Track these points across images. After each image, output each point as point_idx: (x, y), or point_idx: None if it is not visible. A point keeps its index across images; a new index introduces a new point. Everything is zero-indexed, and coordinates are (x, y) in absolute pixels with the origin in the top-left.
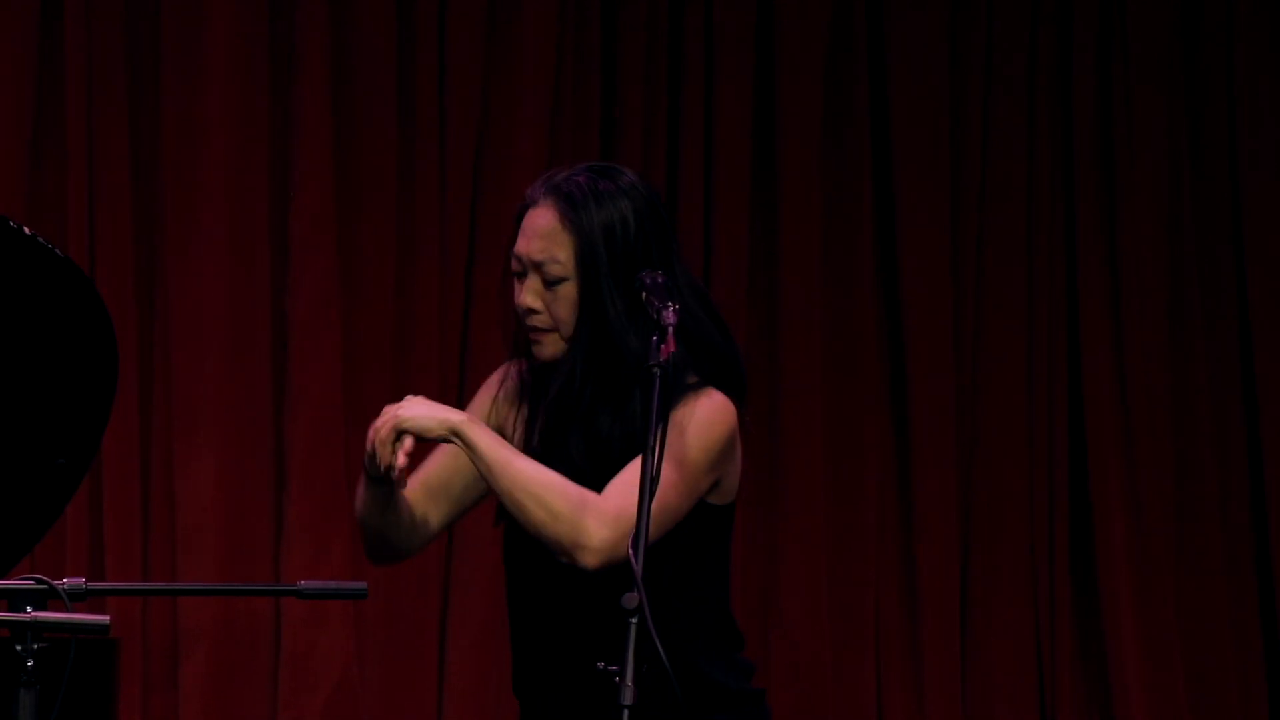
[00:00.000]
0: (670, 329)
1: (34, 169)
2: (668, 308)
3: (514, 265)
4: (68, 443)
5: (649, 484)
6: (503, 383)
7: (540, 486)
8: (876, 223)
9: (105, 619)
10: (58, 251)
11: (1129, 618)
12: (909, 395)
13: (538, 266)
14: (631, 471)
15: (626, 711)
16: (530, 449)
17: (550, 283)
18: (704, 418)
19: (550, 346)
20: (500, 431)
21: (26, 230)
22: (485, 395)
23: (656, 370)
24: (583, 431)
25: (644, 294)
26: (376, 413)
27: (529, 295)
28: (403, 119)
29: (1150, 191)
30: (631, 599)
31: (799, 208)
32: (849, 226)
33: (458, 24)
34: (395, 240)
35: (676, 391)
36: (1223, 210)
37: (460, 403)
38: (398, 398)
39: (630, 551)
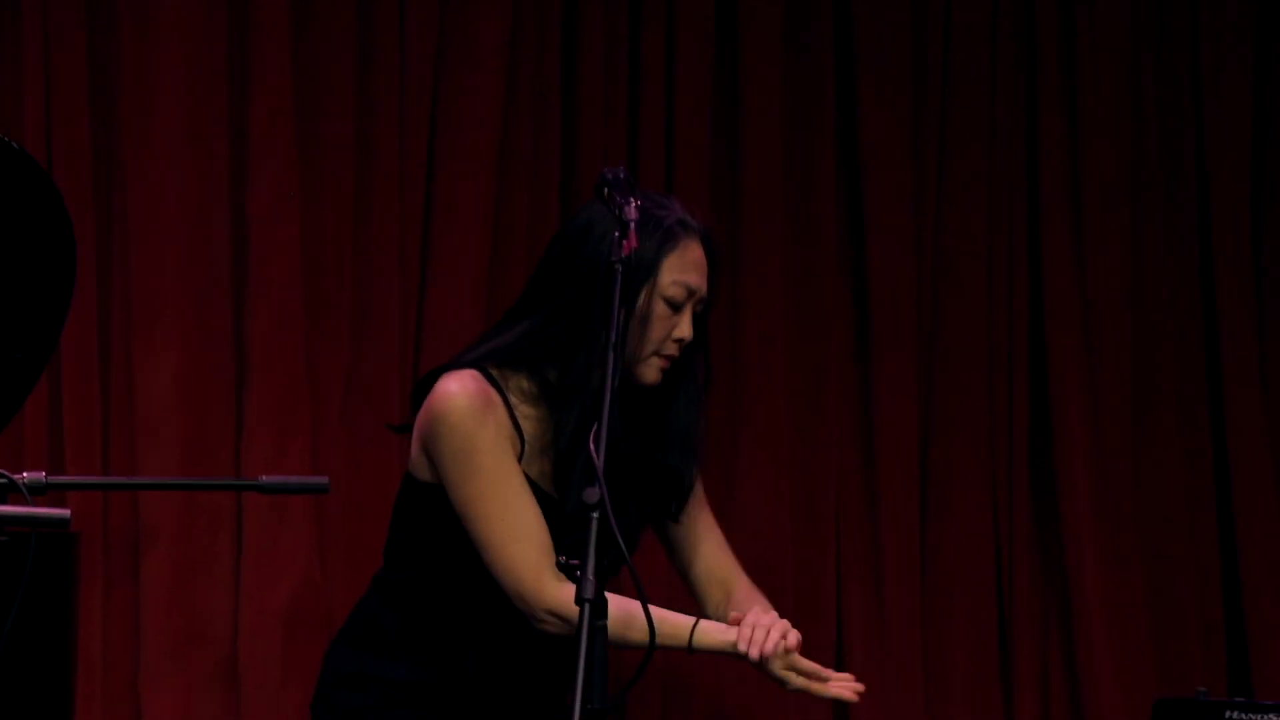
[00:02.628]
0: (632, 225)
1: None
2: (629, 203)
3: (678, 294)
4: (26, 337)
5: (613, 378)
6: (501, 407)
7: None
8: (839, 126)
9: (65, 513)
10: (14, 145)
11: (1086, 517)
12: (870, 296)
13: (702, 302)
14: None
15: (588, 605)
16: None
17: (698, 318)
18: None
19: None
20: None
21: None
22: (494, 411)
23: (619, 265)
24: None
25: (605, 190)
26: (338, 308)
27: (690, 328)
28: (362, 6)
29: (1111, 85)
30: (593, 494)
31: (762, 121)
32: (812, 134)
33: None
34: (354, 136)
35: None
36: (1183, 93)
37: (421, 303)
38: (358, 293)
39: (591, 446)
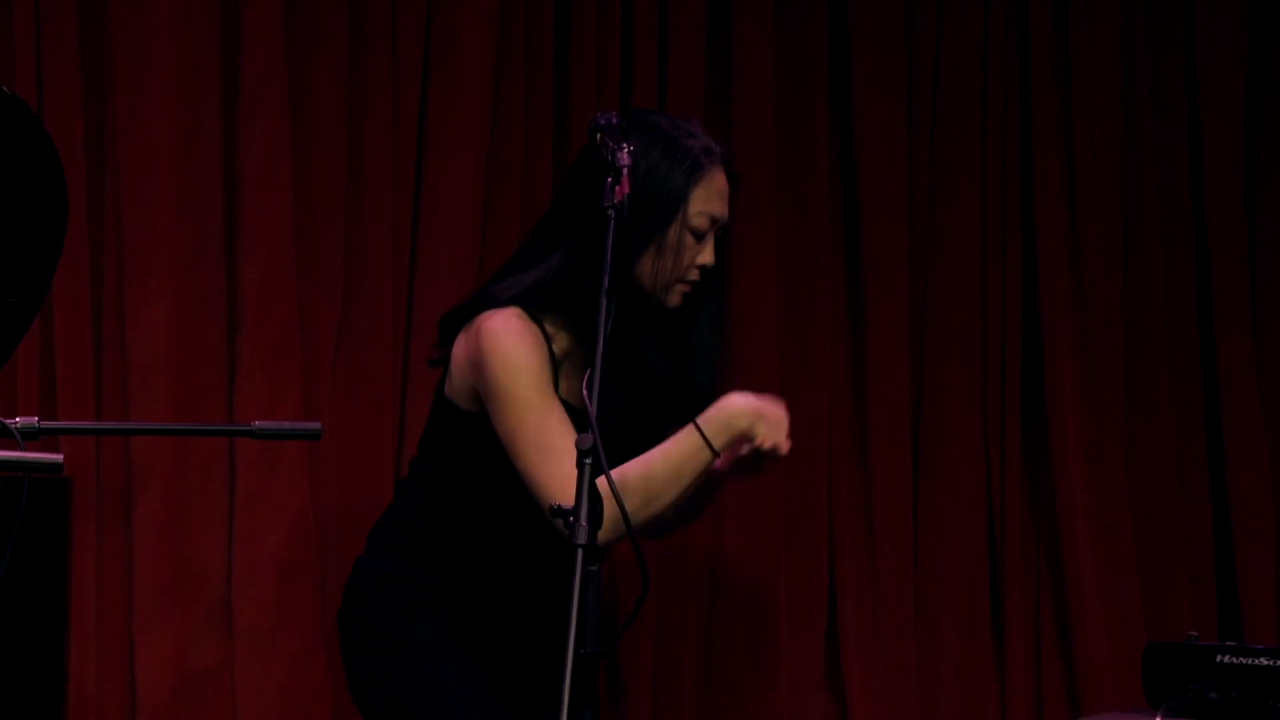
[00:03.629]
0: (625, 170)
1: None
2: (622, 149)
3: (703, 224)
4: (18, 282)
5: (605, 325)
6: (543, 342)
7: None
8: (832, 85)
9: (58, 458)
10: (5, 89)
11: (1078, 467)
12: (862, 255)
13: (724, 228)
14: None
15: (581, 551)
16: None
17: (717, 240)
18: None
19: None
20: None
21: None
22: (539, 349)
23: (612, 212)
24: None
25: (599, 135)
26: (330, 255)
27: (712, 254)
28: None
29: (1105, 48)
30: (585, 440)
31: (755, 81)
32: (804, 92)
33: None
34: (346, 86)
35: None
36: (1178, 48)
37: (413, 252)
38: (350, 241)
39: (584, 392)
